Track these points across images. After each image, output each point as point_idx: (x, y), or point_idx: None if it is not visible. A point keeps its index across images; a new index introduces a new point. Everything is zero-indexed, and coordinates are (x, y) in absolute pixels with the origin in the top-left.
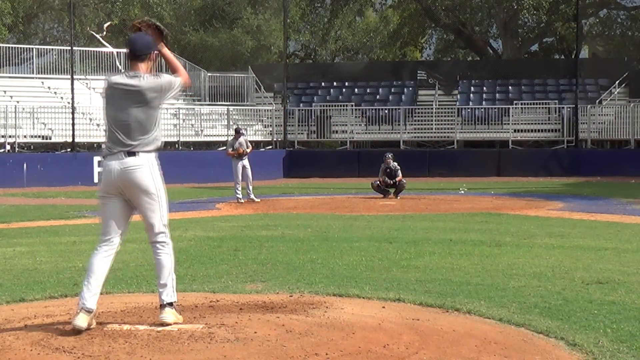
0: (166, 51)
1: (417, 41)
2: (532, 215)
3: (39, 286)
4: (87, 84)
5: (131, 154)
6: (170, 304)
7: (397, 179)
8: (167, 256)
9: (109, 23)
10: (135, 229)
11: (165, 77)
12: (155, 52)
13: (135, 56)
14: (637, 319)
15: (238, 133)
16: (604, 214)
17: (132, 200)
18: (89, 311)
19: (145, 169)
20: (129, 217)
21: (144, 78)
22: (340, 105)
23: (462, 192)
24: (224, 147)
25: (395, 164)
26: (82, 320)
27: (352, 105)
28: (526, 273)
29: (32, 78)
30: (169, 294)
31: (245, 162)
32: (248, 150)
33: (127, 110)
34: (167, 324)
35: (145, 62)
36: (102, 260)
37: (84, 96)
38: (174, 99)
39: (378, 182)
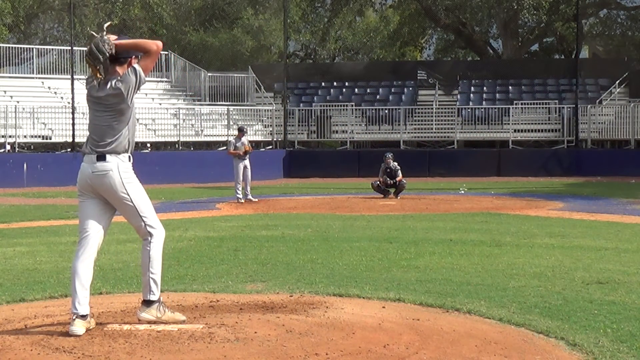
0: (122, 42)
1: (417, 41)
2: (532, 215)
3: (39, 286)
4: None
5: (101, 157)
6: (148, 302)
7: (397, 179)
8: (146, 252)
9: (109, 23)
10: None
11: (127, 81)
12: (132, 57)
13: (115, 59)
14: (637, 319)
15: (241, 132)
16: (604, 214)
17: (110, 203)
18: (83, 317)
19: (114, 173)
20: (109, 217)
21: (108, 86)
22: (340, 105)
23: (462, 192)
24: (225, 147)
25: (395, 163)
26: (78, 327)
27: (352, 105)
28: (526, 273)
29: (32, 78)
30: (146, 292)
31: (247, 162)
32: (251, 150)
33: (99, 116)
34: (141, 322)
35: (123, 66)
36: (84, 263)
37: (84, 96)
38: (175, 99)
39: (378, 182)
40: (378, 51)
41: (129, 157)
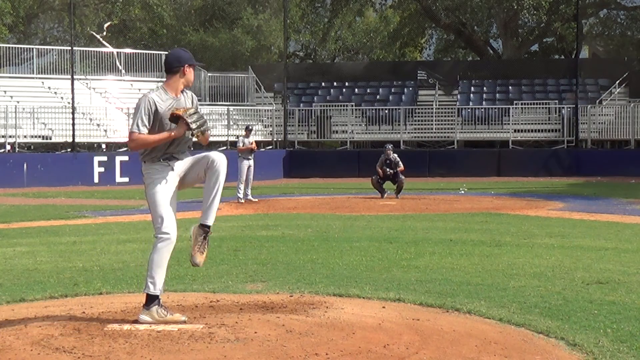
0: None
1: (417, 41)
2: (532, 215)
3: (39, 286)
4: (87, 84)
5: None
6: (147, 300)
7: (399, 169)
8: (151, 252)
9: (109, 23)
10: (136, 229)
11: (137, 103)
12: (185, 66)
13: (165, 70)
14: (637, 319)
15: (249, 130)
16: (604, 214)
17: None
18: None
19: (142, 173)
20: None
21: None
22: (341, 105)
23: (462, 192)
24: (224, 148)
25: (395, 155)
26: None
27: (352, 105)
28: (526, 273)
29: (32, 78)
30: (144, 286)
31: (252, 162)
32: (256, 148)
33: None
34: (141, 323)
35: (173, 77)
36: None
37: (84, 96)
38: None
39: (378, 177)
40: (378, 51)
41: (143, 160)
